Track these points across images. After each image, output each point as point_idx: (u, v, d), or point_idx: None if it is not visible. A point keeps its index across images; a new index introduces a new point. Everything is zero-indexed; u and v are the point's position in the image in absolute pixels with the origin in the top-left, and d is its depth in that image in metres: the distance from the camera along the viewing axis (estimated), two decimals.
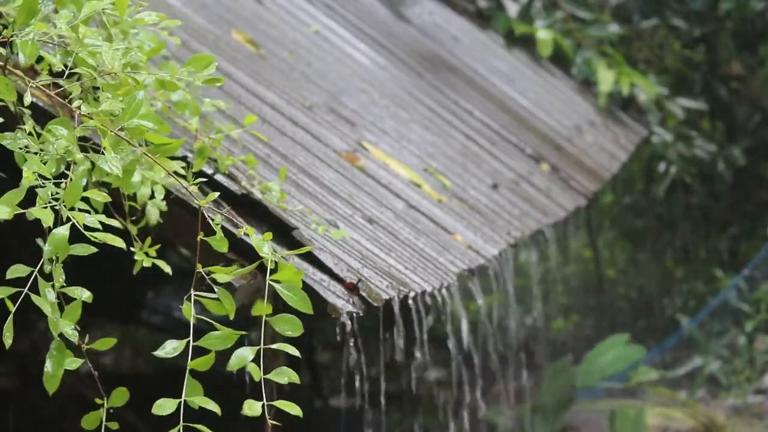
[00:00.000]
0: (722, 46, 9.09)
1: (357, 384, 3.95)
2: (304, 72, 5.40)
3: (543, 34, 8.09)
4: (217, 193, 2.68)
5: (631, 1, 9.16)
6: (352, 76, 5.86)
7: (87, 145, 2.59)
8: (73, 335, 2.44)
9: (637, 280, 10.04)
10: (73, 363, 2.46)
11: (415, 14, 7.66)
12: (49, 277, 2.44)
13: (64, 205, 2.41)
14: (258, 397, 2.47)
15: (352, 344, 3.51)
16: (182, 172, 2.95)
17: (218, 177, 3.49)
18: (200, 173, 3.33)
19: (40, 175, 2.45)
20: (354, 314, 3.36)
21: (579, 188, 6.57)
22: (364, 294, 3.46)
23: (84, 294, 2.47)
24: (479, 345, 5.30)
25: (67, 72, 2.66)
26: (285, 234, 3.46)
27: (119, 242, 2.46)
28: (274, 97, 4.79)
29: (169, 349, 2.48)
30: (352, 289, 3.45)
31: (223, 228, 2.61)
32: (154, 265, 3.03)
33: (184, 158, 3.36)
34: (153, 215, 3.06)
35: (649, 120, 8.47)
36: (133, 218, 3.03)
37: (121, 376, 7.50)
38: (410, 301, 3.74)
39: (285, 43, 5.61)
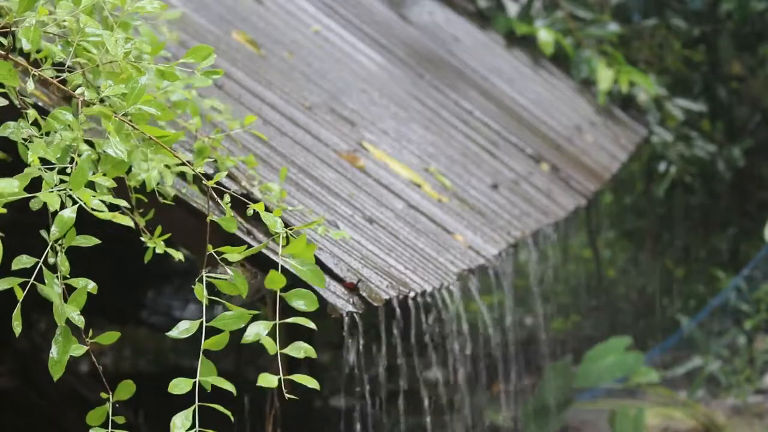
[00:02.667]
0: (722, 46, 9.09)
1: (357, 384, 3.94)
2: (304, 72, 5.40)
3: (544, 34, 8.09)
4: (225, 173, 2.66)
5: (631, 1, 9.16)
6: (352, 76, 5.86)
7: (89, 134, 2.58)
8: (79, 321, 2.43)
9: (637, 281, 10.03)
10: (78, 350, 2.45)
11: (415, 14, 7.65)
12: (53, 269, 2.42)
13: (70, 190, 2.38)
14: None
15: (353, 344, 3.50)
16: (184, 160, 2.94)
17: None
18: None
19: (45, 161, 2.44)
20: (354, 314, 3.35)
21: (579, 188, 6.57)
22: (364, 294, 3.46)
23: (89, 285, 2.45)
24: (479, 345, 5.30)
25: (68, 62, 2.64)
26: None
27: (127, 221, 2.44)
28: (274, 97, 4.79)
29: (182, 329, 2.47)
30: (352, 289, 3.45)
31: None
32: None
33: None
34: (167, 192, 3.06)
35: (649, 120, 8.47)
36: (141, 210, 3.02)
37: (121, 377, 7.48)
38: (410, 301, 3.74)
39: (285, 43, 5.60)
